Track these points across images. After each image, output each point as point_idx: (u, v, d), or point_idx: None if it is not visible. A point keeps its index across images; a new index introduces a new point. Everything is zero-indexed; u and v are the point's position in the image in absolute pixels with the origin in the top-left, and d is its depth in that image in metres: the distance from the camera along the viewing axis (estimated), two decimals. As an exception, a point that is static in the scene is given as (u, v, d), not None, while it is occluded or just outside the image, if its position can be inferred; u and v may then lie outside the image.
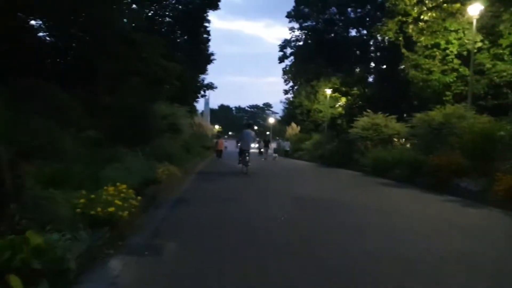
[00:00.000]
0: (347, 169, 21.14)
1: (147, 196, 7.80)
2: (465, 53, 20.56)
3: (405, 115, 22.85)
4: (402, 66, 24.91)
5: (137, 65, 20.38)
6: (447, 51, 21.43)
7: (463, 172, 11.71)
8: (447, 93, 21.40)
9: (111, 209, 5.29)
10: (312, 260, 4.76)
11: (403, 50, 22.77)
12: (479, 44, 19.39)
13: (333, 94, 39.95)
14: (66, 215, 4.77)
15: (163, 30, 28.97)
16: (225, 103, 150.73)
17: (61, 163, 7.04)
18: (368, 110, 22.21)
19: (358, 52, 43.04)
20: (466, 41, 20.30)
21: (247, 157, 16.84)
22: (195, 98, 32.42)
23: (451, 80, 21.22)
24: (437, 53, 21.74)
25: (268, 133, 47.83)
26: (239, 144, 17.74)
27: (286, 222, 6.92)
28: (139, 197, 6.45)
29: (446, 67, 21.59)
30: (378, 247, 5.45)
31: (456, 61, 21.31)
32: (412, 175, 14.45)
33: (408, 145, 20.35)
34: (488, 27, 18.62)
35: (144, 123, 13.07)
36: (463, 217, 8.16)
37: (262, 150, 40.15)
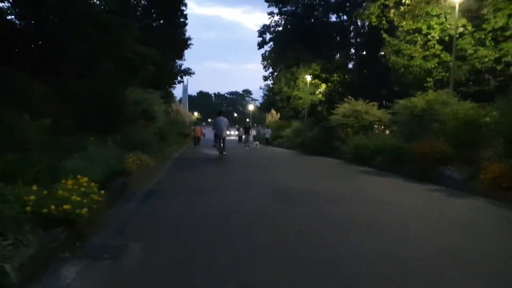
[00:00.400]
0: (328, 157, 20.75)
1: (114, 189, 7.19)
2: (446, 38, 20.24)
3: (384, 102, 22.55)
4: (383, 52, 24.48)
5: (109, 48, 19.54)
6: (429, 37, 21.09)
7: (447, 160, 11.38)
8: (428, 79, 21.10)
9: (67, 206, 4.66)
10: (294, 262, 4.25)
11: (384, 35, 22.33)
12: (461, 30, 19.06)
13: (313, 81, 39.49)
14: (11, 215, 4.14)
15: (138, 13, 27.99)
16: (204, 89, 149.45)
17: (18, 153, 6.37)
18: (349, 97, 21.80)
19: (338, 38, 42.60)
20: (448, 26, 19.95)
21: (222, 144, 17.75)
22: (171, 84, 31.54)
23: (433, 66, 20.92)
24: (419, 38, 21.38)
25: (247, 120, 46.72)
26: (213, 131, 18.77)
27: (265, 217, 6.39)
28: (102, 191, 5.83)
29: (427, 52, 21.26)
30: (367, 244, 4.97)
31: (437, 46, 20.99)
32: (394, 163, 14.12)
33: (387, 132, 20.05)
34: (473, 11, 18.26)
35: (114, 109, 12.37)
36: (450, 208, 7.77)
37: (242, 137, 39.59)
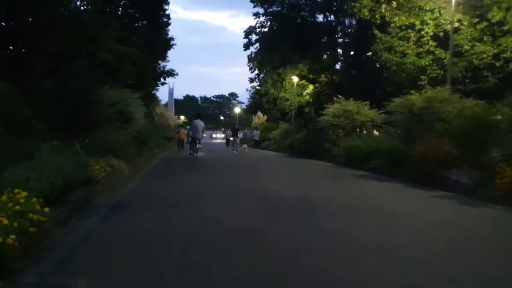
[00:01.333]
0: (318, 159, 19.66)
1: (71, 203, 5.97)
2: (441, 34, 19.33)
3: (374, 103, 21.48)
4: (374, 50, 23.49)
5: (86, 47, 18.28)
6: (422, 32, 20.16)
7: (453, 163, 10.30)
8: (423, 77, 20.13)
9: (-15, 234, 3.46)
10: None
11: (376, 32, 21.35)
12: (456, 24, 18.14)
13: (300, 82, 38.53)
14: None
15: (118, 13, 26.61)
16: (191, 93, 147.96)
17: None
18: (339, 96, 20.75)
19: (325, 38, 41.60)
20: (443, 21, 19.03)
21: (198, 145, 19.60)
22: (154, 86, 30.20)
23: (427, 63, 19.96)
24: (412, 34, 20.45)
25: (234, 122, 45.43)
26: (190, 133, 20.24)
27: (251, 236, 5.24)
28: (46, 209, 4.62)
29: (421, 49, 20.34)
30: (380, 273, 3.85)
31: (432, 43, 20.07)
32: (391, 166, 13.05)
33: (376, 133, 18.99)
34: (470, 5, 17.35)
35: (84, 110, 11.11)
36: (468, 220, 6.67)
37: (231, 139, 38.25)
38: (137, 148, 14.76)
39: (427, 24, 19.93)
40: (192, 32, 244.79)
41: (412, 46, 20.55)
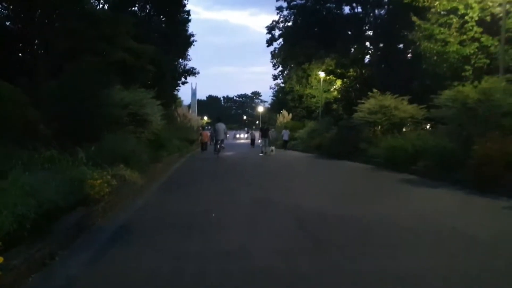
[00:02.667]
0: (352, 161, 17.97)
1: (55, 236, 4.54)
2: (488, 18, 17.33)
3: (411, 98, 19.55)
4: (411, 39, 21.47)
5: (99, 45, 17.03)
6: (466, 18, 18.15)
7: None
8: (467, 67, 18.16)
9: None
10: None
11: (414, 18, 19.41)
12: (507, 6, 16.13)
13: (327, 77, 36.71)
14: None
15: (135, 8, 25.41)
16: (214, 93, 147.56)
17: None
18: (375, 90, 18.97)
19: (352, 30, 39.63)
20: (490, 3, 17.04)
21: (220, 144, 22.35)
22: (175, 86, 28.85)
23: (472, 51, 17.98)
24: (454, 20, 18.47)
25: (264, 121, 42.49)
26: (213, 135, 23.70)
27: (289, 283, 3.70)
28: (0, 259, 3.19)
29: (464, 36, 18.34)
30: None
31: (476, 28, 18.05)
32: (442, 169, 11.33)
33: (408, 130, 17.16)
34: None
35: (91, 113, 9.74)
36: None
37: (259, 141, 36.49)
38: (155, 154, 13.39)
39: (471, 8, 17.91)
40: (214, 32, 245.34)
41: (454, 33, 18.59)
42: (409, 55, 31.21)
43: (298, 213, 6.75)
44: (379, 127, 17.63)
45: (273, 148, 25.82)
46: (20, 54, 15.47)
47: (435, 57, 18.88)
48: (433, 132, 14.56)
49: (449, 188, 9.68)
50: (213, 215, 6.63)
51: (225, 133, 23.18)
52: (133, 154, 9.50)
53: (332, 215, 6.62)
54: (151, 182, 10.18)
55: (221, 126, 22.47)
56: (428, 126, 19.41)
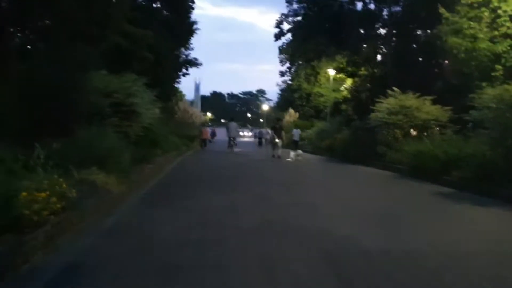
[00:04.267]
0: (368, 166, 16.08)
1: None
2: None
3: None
4: (435, 34, 19.56)
5: (91, 28, 15.19)
6: (499, 11, 16.22)
7: None
8: (498, 66, 16.22)
9: None
10: None
11: (442, 10, 17.47)
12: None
13: (338, 76, 34.77)
14: None
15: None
16: (218, 90, 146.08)
17: None
18: (395, 89, 17.05)
19: (365, 27, 37.57)
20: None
21: (233, 141, 25.84)
22: (175, 78, 26.94)
23: (505, 49, 16.05)
24: (485, 14, 16.53)
25: (278, 118, 39.15)
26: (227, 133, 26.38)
27: None
28: None
29: (496, 32, 16.40)
30: None
31: (510, 24, 16.13)
32: (483, 181, 9.47)
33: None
34: None
35: (61, 102, 7.90)
36: None
37: (264, 140, 34.57)
38: (145, 152, 11.55)
39: (505, 0, 16.02)
40: (221, 29, 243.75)
41: (485, 28, 16.65)
42: (425, 54, 29.37)
43: (327, 246, 4.85)
44: (402, 130, 15.68)
45: (300, 152, 21.62)
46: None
47: (463, 54, 16.95)
48: (466, 137, 12.66)
49: (500, 207, 7.80)
50: (206, 247, 4.77)
51: (237, 131, 27.74)
52: (110, 153, 7.63)
53: (376, 250, 4.71)
54: (134, 189, 8.22)
55: (233, 124, 26.52)
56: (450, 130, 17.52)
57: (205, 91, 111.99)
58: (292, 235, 5.39)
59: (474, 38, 16.82)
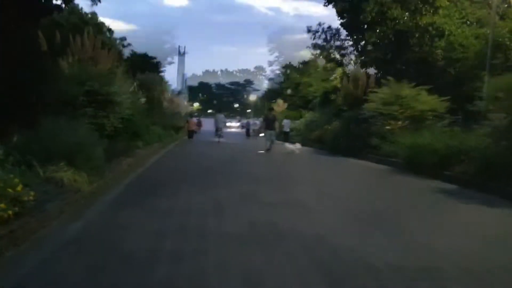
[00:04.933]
0: (361, 159, 15.41)
1: None
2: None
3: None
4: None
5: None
6: None
7: None
8: (499, 55, 15.71)
9: None
10: None
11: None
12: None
13: (328, 65, 34.01)
14: None
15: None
16: (211, 69, 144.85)
17: None
18: (389, 78, 16.31)
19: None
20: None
21: (219, 132, 26.82)
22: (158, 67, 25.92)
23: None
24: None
25: (270, 108, 38.04)
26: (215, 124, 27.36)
27: None
28: None
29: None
30: None
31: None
32: (489, 177, 8.81)
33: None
34: None
35: (27, 90, 7.00)
36: None
37: (251, 130, 33.99)
38: (125, 145, 10.69)
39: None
40: (218, 10, 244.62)
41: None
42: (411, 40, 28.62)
43: (324, 257, 4.09)
44: (399, 122, 14.93)
45: (298, 144, 19.05)
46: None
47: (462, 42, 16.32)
48: (465, 129, 12.00)
49: (509, 207, 7.14)
50: (184, 256, 3.98)
51: (224, 123, 29.08)
52: (81, 147, 6.77)
53: (384, 265, 3.96)
54: (108, 187, 7.37)
55: (220, 116, 28.06)
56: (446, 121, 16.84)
57: (197, 70, 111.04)
58: (285, 243, 4.59)
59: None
